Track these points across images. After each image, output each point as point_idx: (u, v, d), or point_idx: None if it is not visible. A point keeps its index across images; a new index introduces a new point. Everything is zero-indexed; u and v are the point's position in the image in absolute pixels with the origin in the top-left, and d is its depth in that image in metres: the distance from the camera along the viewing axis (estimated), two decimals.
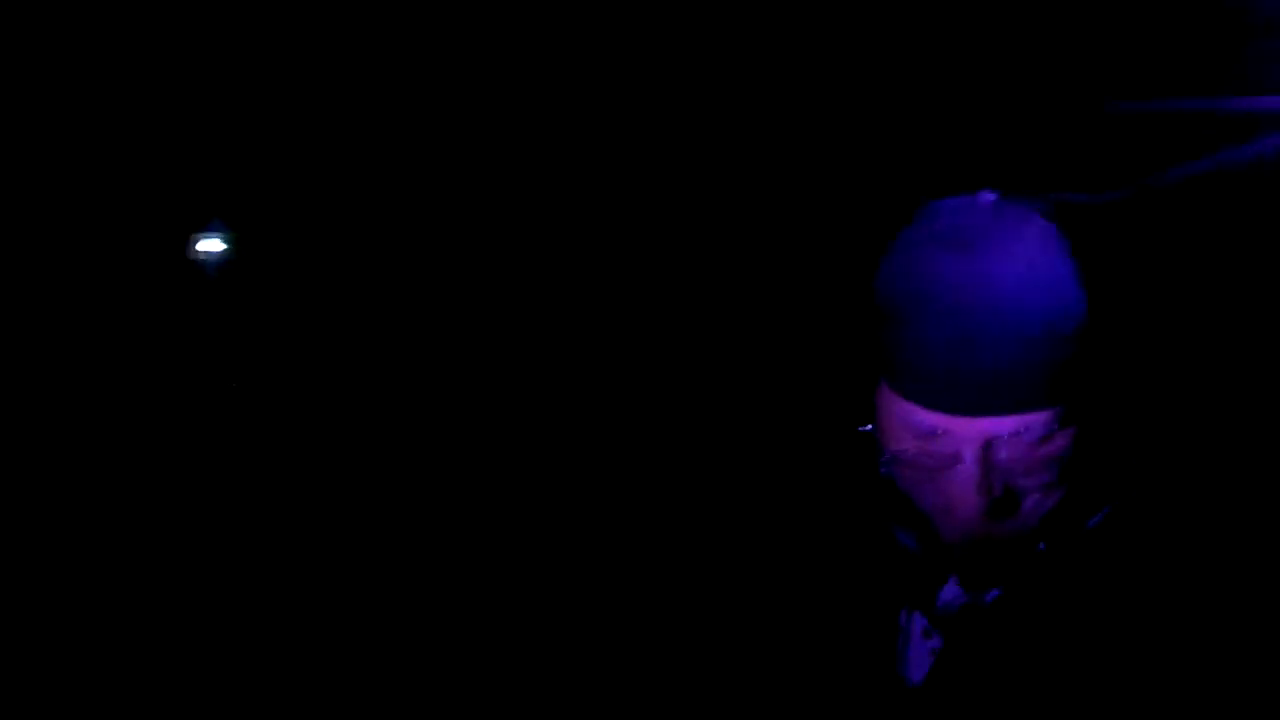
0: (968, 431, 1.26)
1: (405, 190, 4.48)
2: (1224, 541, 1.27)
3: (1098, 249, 1.25)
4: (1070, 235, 1.24)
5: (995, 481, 1.26)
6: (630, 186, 4.41)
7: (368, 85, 4.27)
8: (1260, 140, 3.38)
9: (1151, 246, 1.40)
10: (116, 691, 3.03)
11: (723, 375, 4.12)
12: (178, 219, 4.33)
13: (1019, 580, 1.31)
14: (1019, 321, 1.21)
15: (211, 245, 4.37)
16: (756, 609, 1.51)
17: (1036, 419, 1.24)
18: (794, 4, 3.77)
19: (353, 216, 4.49)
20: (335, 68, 4.13)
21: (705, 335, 4.23)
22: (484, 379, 4.43)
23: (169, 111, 4.17)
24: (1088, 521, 1.31)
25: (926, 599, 1.37)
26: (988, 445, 1.26)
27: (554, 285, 4.49)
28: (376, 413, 4.38)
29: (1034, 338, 1.22)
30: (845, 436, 1.39)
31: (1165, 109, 3.63)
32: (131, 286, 4.29)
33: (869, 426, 1.35)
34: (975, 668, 1.31)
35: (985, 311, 1.22)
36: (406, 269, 4.53)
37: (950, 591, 1.36)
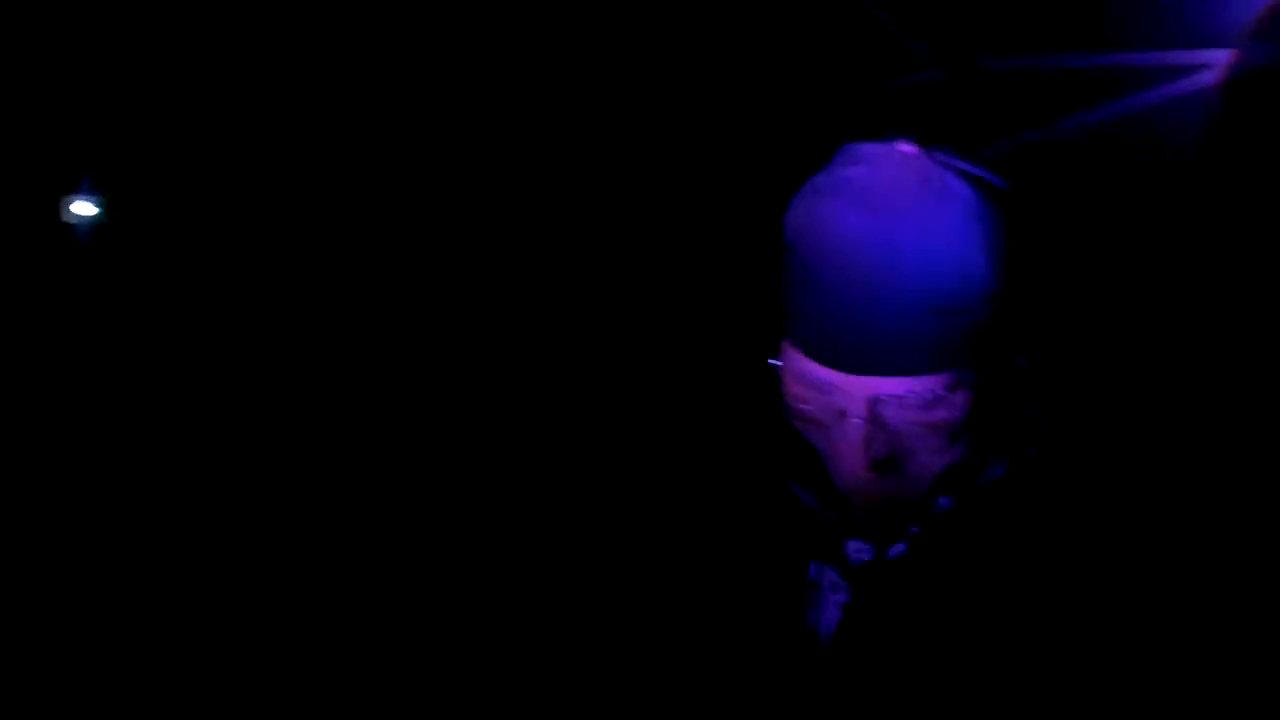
0: (855, 389, 1.25)
1: (291, 148, 4.43)
2: (1118, 498, 1.28)
3: (1006, 217, 1.24)
4: (985, 203, 1.23)
5: (880, 440, 1.26)
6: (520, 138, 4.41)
7: (244, 32, 4.20)
8: (1132, 97, 3.45)
9: (1049, 210, 1.40)
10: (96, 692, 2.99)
11: (632, 333, 4.12)
12: (48, 181, 4.23)
13: (923, 535, 1.31)
14: (920, 290, 1.20)
15: (84, 209, 4.27)
16: (665, 565, 1.50)
17: (925, 383, 1.23)
18: None
19: (239, 175, 4.43)
20: (208, 15, 4.07)
21: (615, 290, 4.23)
22: (379, 333, 4.41)
23: (36, 70, 4.08)
24: (984, 478, 1.31)
25: (835, 552, 1.37)
26: (874, 405, 1.25)
27: (458, 239, 4.47)
28: (263, 383, 4.34)
29: (932, 308, 1.20)
30: (754, 385, 1.38)
31: (1035, 66, 3.69)
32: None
33: (778, 362, 1.33)
34: (881, 621, 1.31)
35: (886, 276, 1.20)
36: (296, 232, 4.48)
37: (856, 545, 1.36)
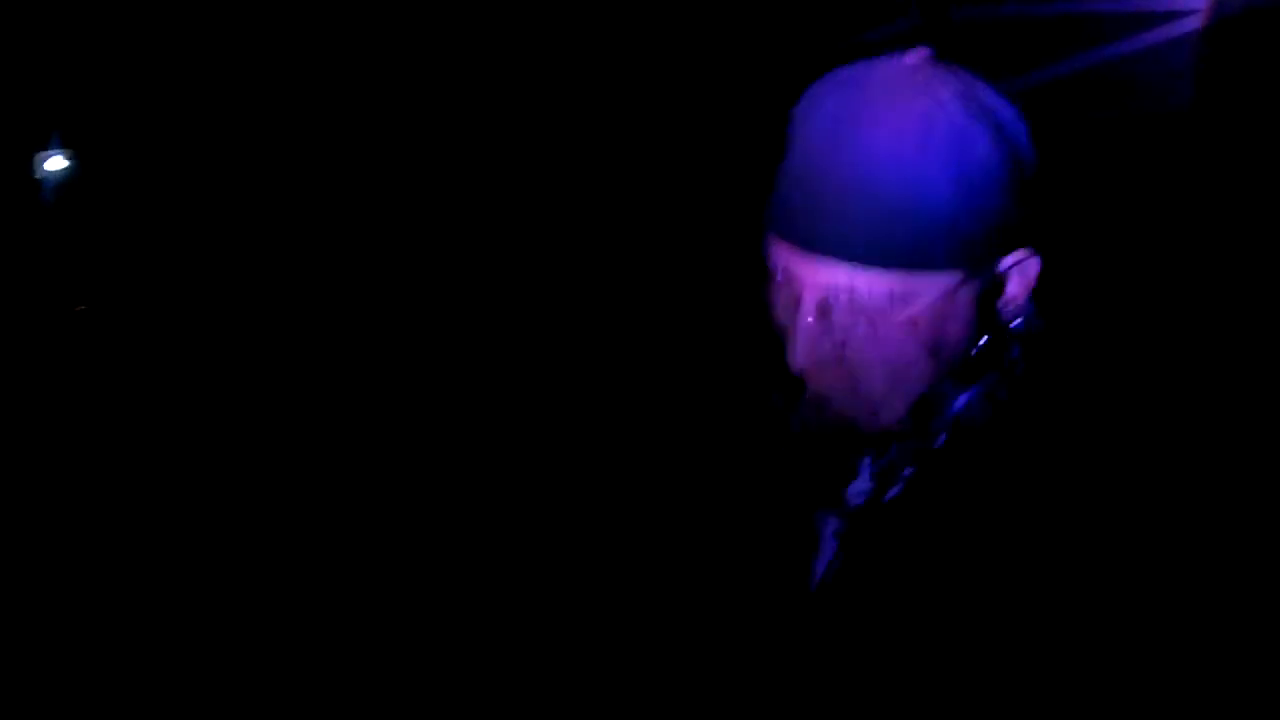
0: (810, 277, 1.21)
1: (257, 106, 4.40)
2: (1111, 444, 1.24)
3: (1004, 143, 1.20)
4: (981, 118, 1.19)
5: (826, 343, 1.22)
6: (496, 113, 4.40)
7: None
8: (1113, 45, 3.47)
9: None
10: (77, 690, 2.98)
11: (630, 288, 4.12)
12: (20, 136, 4.19)
13: (919, 476, 1.28)
14: (891, 169, 1.17)
15: (55, 163, 4.23)
16: (671, 516, 1.48)
17: (878, 280, 1.20)
18: None
19: (208, 133, 4.40)
20: None
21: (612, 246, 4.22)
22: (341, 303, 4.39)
23: (8, 26, 4.03)
24: (964, 412, 1.27)
25: (837, 499, 1.34)
26: (825, 299, 1.21)
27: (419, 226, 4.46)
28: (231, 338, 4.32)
29: (899, 194, 1.17)
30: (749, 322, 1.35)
31: (1007, 15, 3.72)
32: None
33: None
34: (869, 565, 1.29)
35: (863, 151, 1.17)
36: (259, 190, 4.46)
37: (855, 490, 1.33)
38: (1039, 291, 1.28)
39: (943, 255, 1.19)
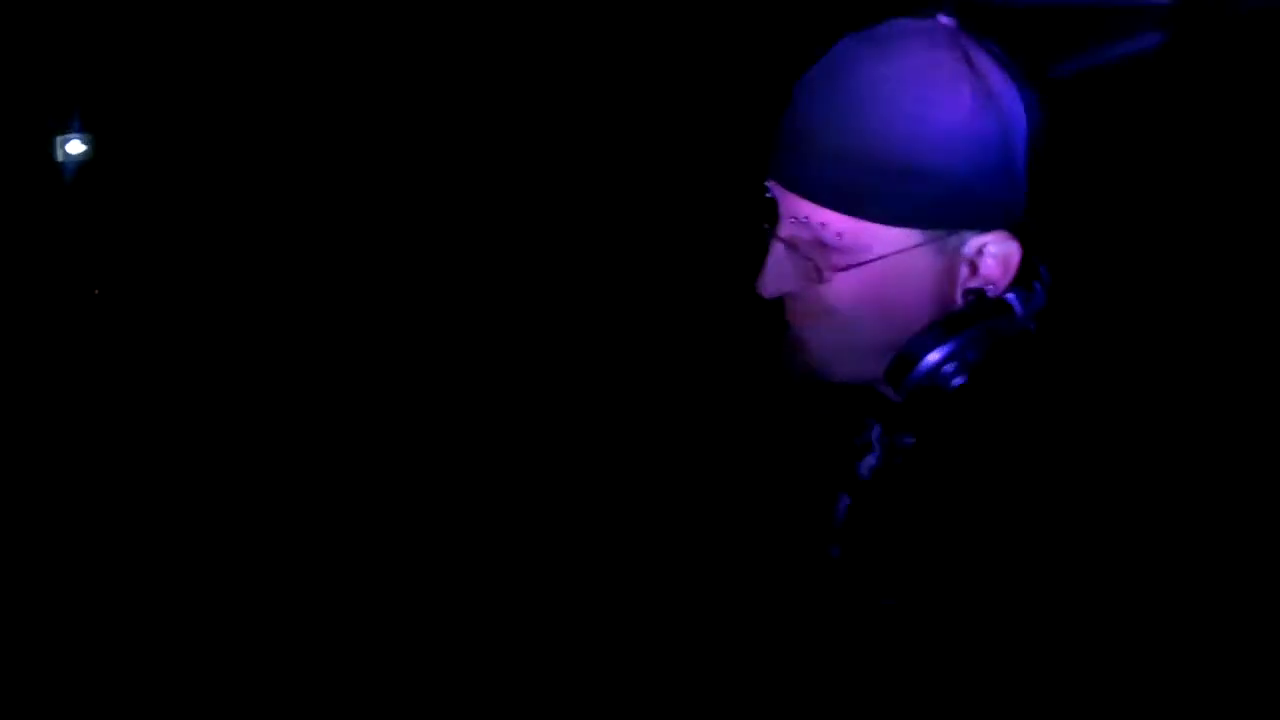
0: (784, 209, 1.26)
1: (275, 94, 4.39)
2: (1109, 410, 1.24)
3: (1019, 116, 1.21)
4: (985, 85, 1.20)
5: (790, 276, 1.27)
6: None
7: None
8: (1136, 37, 3.43)
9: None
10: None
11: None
12: (40, 119, 4.17)
13: (921, 444, 1.31)
14: (858, 116, 1.19)
15: (75, 147, 4.21)
16: (694, 497, 1.52)
17: (831, 220, 1.22)
18: None
19: (229, 119, 4.38)
20: None
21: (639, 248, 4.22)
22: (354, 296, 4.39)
23: (28, 10, 4.02)
24: (943, 374, 1.27)
25: (851, 474, 1.39)
26: (794, 234, 1.25)
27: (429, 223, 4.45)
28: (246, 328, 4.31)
29: (857, 140, 1.20)
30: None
31: (1035, 4, 3.66)
32: None
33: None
34: (868, 533, 1.33)
35: (840, 94, 1.21)
36: (277, 179, 4.45)
37: (866, 464, 1.38)
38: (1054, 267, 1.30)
39: (894, 210, 1.21)
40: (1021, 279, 1.27)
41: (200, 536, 3.41)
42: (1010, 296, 1.27)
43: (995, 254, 1.24)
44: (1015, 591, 1.17)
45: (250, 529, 3.45)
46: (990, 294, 1.25)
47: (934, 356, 1.25)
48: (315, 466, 3.68)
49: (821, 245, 1.23)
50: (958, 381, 1.25)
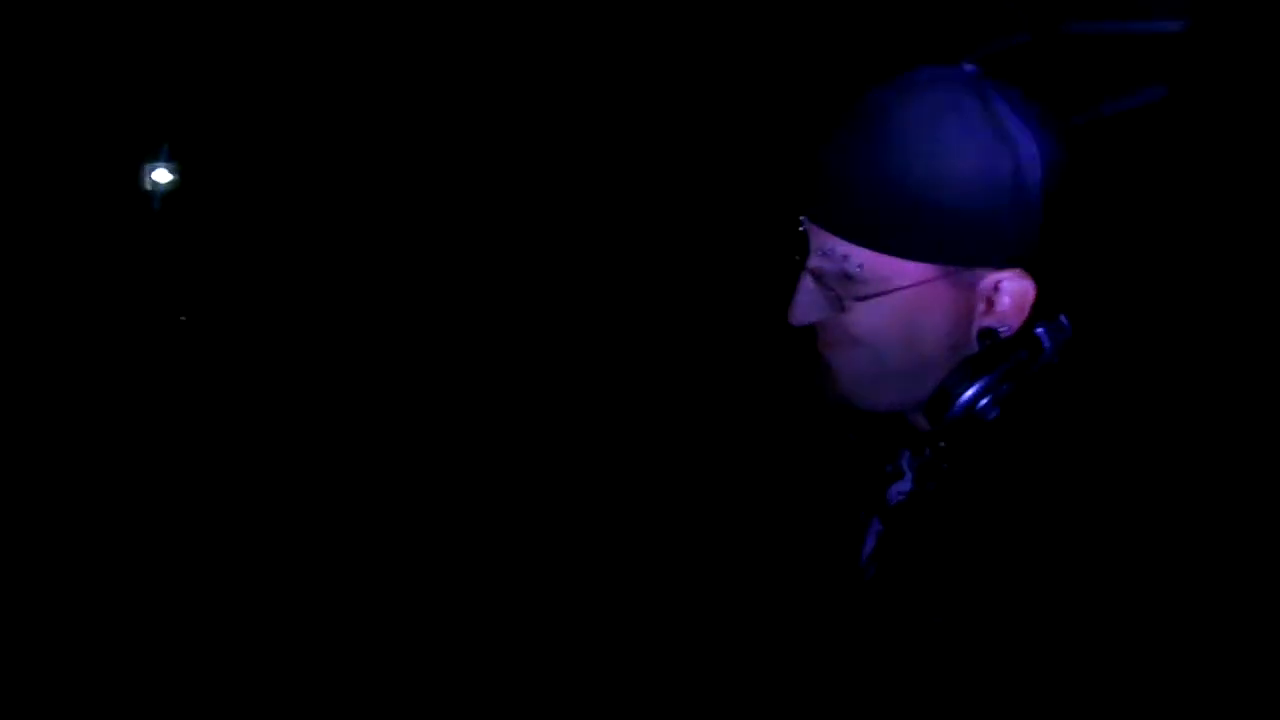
0: (813, 243, 1.32)
1: (356, 117, 4.44)
2: (1135, 437, 1.27)
3: (1042, 164, 1.25)
4: (1002, 129, 1.25)
5: (819, 307, 1.32)
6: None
7: (320, 12, 4.22)
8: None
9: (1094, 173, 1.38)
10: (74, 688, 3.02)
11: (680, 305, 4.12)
12: (129, 149, 4.27)
13: (952, 474, 1.33)
14: (881, 155, 1.25)
15: (161, 175, 4.31)
16: (727, 517, 1.53)
17: (855, 254, 1.28)
18: None
19: (306, 148, 4.45)
20: None
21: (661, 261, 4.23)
22: (413, 311, 4.42)
23: (119, 40, 4.11)
24: (973, 409, 1.30)
25: (880, 499, 1.42)
26: (821, 266, 1.31)
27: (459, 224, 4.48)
28: (324, 351, 4.37)
29: (880, 177, 1.25)
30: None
31: (1123, 31, 3.62)
32: (82, 217, 4.24)
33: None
34: (904, 561, 1.35)
35: (864, 135, 1.26)
36: (358, 200, 4.50)
37: (897, 489, 1.41)
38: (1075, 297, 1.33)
39: (911, 244, 1.26)
40: (1046, 314, 1.31)
41: (225, 536, 3.47)
42: (1039, 331, 1.30)
43: (1010, 290, 1.28)
44: (1056, 607, 1.20)
45: (272, 530, 3.51)
46: (1004, 333, 1.29)
47: (972, 390, 1.29)
48: (336, 468, 3.73)
49: (845, 277, 1.29)
50: (994, 414, 1.29)
